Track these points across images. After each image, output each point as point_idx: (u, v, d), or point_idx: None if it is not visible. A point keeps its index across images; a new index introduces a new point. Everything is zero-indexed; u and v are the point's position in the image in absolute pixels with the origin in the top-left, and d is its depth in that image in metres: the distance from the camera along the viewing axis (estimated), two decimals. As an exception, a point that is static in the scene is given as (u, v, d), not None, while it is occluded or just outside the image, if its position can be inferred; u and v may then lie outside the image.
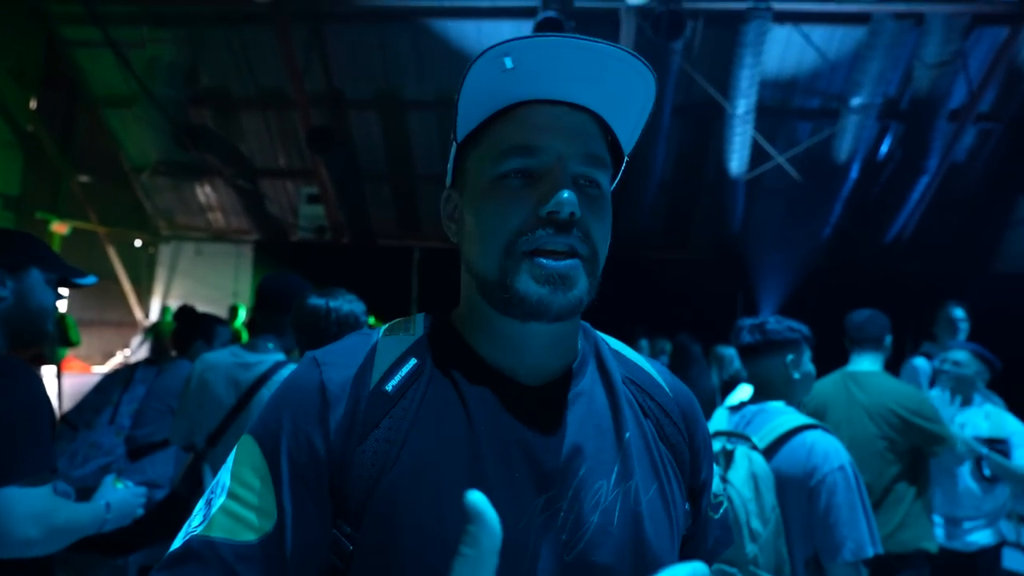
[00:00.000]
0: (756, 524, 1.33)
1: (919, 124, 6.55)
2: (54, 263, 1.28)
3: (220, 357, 1.90)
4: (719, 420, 1.67)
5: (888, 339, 2.37)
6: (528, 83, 0.55)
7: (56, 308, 1.32)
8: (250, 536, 0.49)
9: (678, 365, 4.14)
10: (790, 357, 1.55)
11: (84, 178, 9.09)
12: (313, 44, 7.49)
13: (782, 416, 1.51)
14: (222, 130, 8.75)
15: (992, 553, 2.46)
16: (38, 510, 1.06)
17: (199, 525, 0.51)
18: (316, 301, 1.64)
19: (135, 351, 9.33)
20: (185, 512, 2.00)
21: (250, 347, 1.91)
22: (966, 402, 2.54)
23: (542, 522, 0.52)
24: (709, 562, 0.70)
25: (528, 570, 0.51)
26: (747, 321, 1.63)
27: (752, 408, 1.58)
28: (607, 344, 0.67)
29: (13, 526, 1.03)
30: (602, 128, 0.58)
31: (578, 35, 0.52)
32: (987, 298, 5.03)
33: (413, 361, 0.57)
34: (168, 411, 2.09)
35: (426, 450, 0.53)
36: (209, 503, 0.53)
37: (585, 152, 0.56)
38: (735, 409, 1.64)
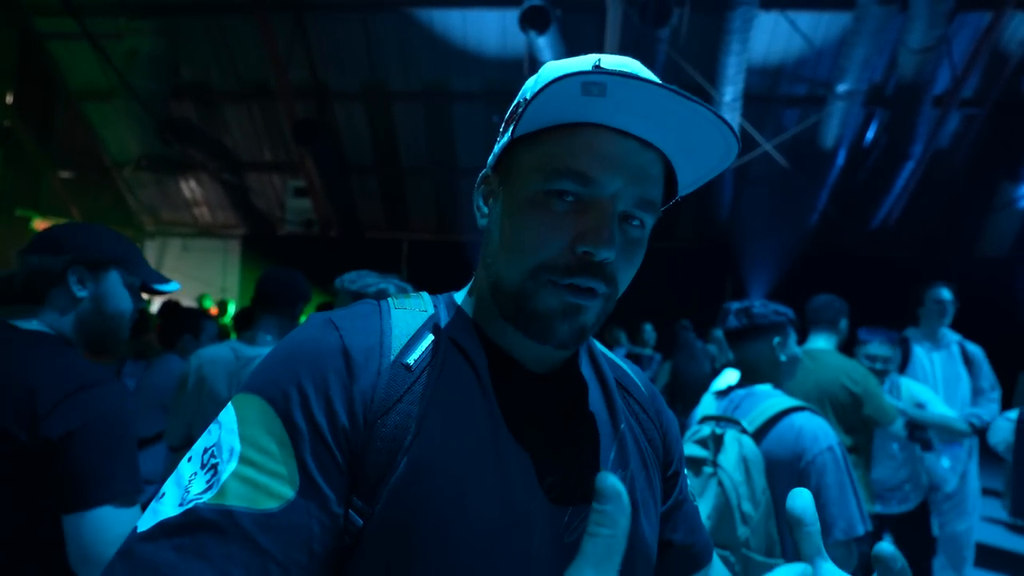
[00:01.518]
0: (747, 507, 1.34)
1: (904, 110, 6.60)
2: (137, 265, 1.17)
3: (219, 352, 1.90)
4: (707, 405, 1.68)
5: (843, 323, 2.56)
6: (610, 112, 0.52)
7: (134, 316, 1.20)
8: (271, 504, 0.45)
9: (675, 351, 4.19)
10: (776, 340, 1.57)
11: (65, 174, 8.93)
12: (296, 35, 7.38)
13: (770, 399, 1.51)
14: (205, 123, 8.62)
15: (914, 517, 2.66)
16: (116, 534, 0.97)
17: (203, 492, 0.45)
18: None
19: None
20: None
21: (248, 340, 1.93)
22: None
23: (548, 504, 0.54)
24: (709, 549, 0.73)
25: (537, 551, 0.52)
26: (733, 305, 1.65)
27: (740, 392, 1.59)
28: (594, 343, 0.70)
29: (104, 548, 0.94)
30: (665, 169, 0.56)
31: (681, 91, 0.48)
32: (971, 282, 5.10)
33: (430, 337, 0.56)
34: (158, 407, 2.07)
35: (446, 427, 0.52)
36: (214, 469, 0.47)
37: (641, 196, 0.54)
38: (722, 394, 1.65)
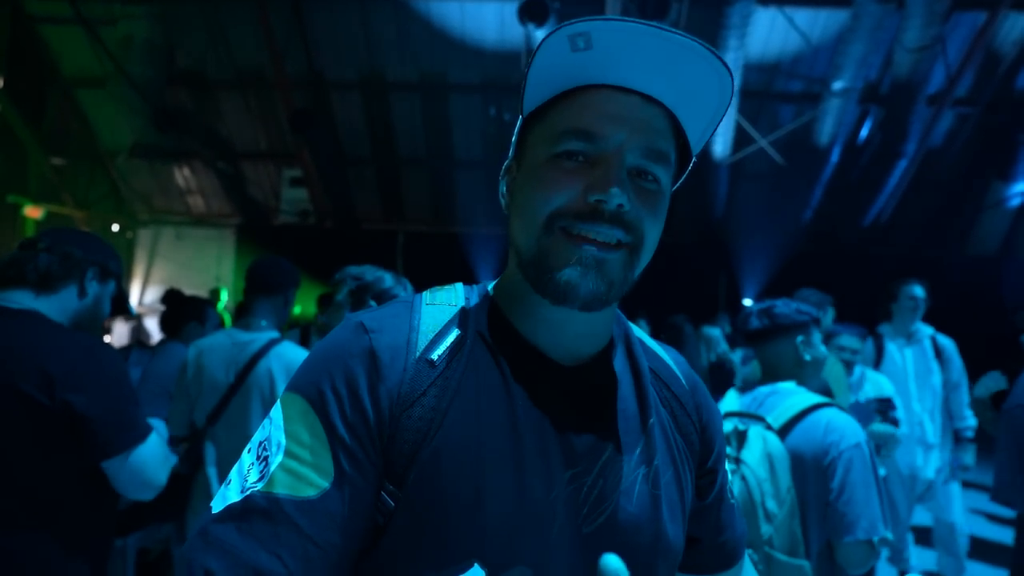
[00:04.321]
0: (771, 505, 1.31)
1: (898, 108, 6.65)
2: (120, 284, 1.38)
3: (215, 340, 1.93)
4: (730, 401, 1.63)
5: (828, 314, 2.62)
6: (603, 66, 0.53)
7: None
8: (310, 492, 0.51)
9: (672, 344, 4.24)
10: (800, 339, 1.53)
11: (57, 160, 8.83)
12: (293, 23, 7.31)
13: (796, 396, 1.48)
14: (200, 112, 8.54)
15: None
16: (162, 456, 1.27)
17: (258, 481, 0.52)
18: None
19: (115, 336, 9.18)
20: (184, 492, 2.03)
21: (244, 327, 1.96)
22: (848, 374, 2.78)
23: (568, 495, 0.55)
24: (741, 546, 0.73)
25: (555, 540, 0.53)
26: (754, 306, 1.61)
27: (764, 389, 1.55)
28: (634, 332, 0.69)
29: (155, 475, 1.24)
30: (672, 124, 0.57)
31: (660, 24, 0.50)
32: (961, 279, 5.19)
33: (456, 331, 0.58)
34: (164, 393, 2.09)
35: (468, 419, 0.55)
36: (265, 460, 0.54)
37: (647, 146, 0.54)
38: (745, 390, 1.62)
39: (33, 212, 8.48)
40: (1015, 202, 7.87)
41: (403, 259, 8.54)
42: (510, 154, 0.63)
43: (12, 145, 8.18)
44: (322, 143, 7.91)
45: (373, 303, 1.70)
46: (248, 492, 0.52)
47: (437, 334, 0.58)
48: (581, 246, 0.53)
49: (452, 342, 0.58)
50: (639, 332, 0.70)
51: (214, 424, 1.85)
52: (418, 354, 0.56)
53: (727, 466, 0.75)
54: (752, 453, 1.35)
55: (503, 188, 0.64)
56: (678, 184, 0.62)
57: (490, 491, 0.53)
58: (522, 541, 0.52)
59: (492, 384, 0.57)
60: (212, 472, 1.83)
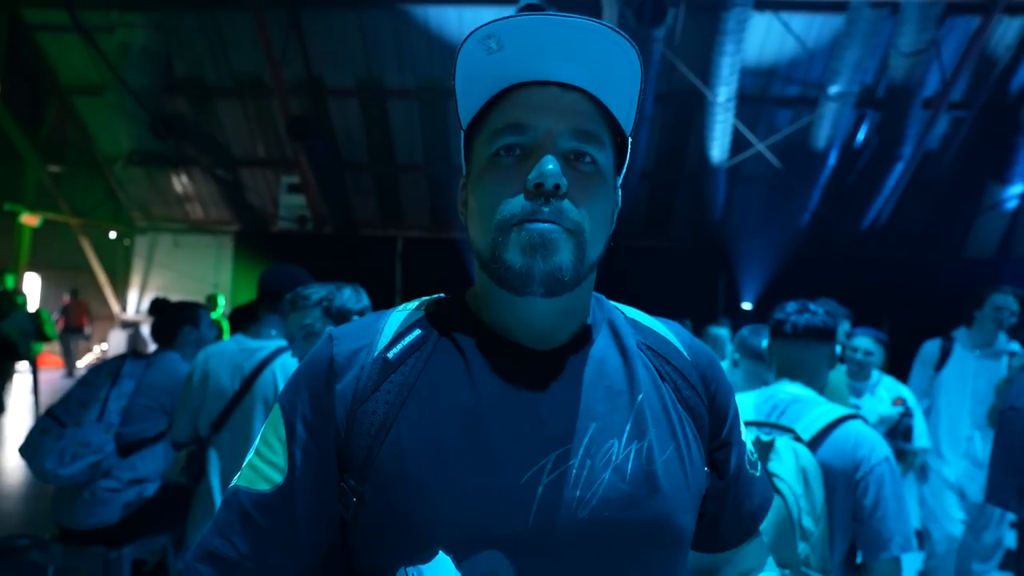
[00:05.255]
0: (807, 522, 1.26)
1: (894, 112, 6.68)
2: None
3: (223, 346, 1.92)
4: (746, 409, 1.55)
5: (843, 325, 2.55)
6: (517, 65, 0.57)
7: None
8: (264, 486, 0.58)
9: None
10: (835, 349, 1.51)
11: (54, 168, 8.82)
12: (291, 30, 7.34)
13: (822, 406, 1.43)
14: (198, 119, 8.55)
15: None
16: None
17: (235, 478, 0.61)
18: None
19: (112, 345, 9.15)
20: (179, 503, 2.00)
21: (253, 334, 1.95)
22: (864, 379, 2.70)
23: (553, 480, 0.54)
24: (757, 521, 0.72)
25: (536, 524, 0.53)
26: (790, 305, 1.56)
27: (784, 397, 1.49)
28: (622, 313, 0.69)
29: None
30: (597, 107, 0.59)
31: (557, 12, 0.53)
32: (957, 282, 5.19)
33: (417, 332, 0.61)
34: (158, 408, 2.07)
35: (425, 411, 0.56)
36: (244, 461, 0.62)
37: (575, 128, 0.57)
38: (760, 396, 1.55)
39: (30, 220, 8.47)
40: (1011, 204, 7.90)
41: (401, 265, 8.53)
42: (463, 171, 0.66)
43: (9, 153, 8.17)
44: (320, 150, 7.92)
45: (357, 319, 1.63)
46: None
47: (397, 335, 0.61)
48: (527, 227, 0.55)
49: (411, 340, 0.61)
50: (634, 312, 0.70)
51: (218, 432, 1.83)
52: (375, 354, 0.60)
53: (747, 436, 0.73)
54: (786, 467, 1.29)
55: (459, 203, 0.66)
56: (624, 168, 0.64)
57: (449, 480, 0.53)
58: (490, 526, 0.52)
59: (454, 377, 0.58)
60: (215, 481, 1.81)
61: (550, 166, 0.54)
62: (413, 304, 0.66)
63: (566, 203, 0.55)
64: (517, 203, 0.55)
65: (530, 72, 0.57)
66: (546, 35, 0.54)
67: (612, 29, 0.54)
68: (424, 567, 0.51)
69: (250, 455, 0.61)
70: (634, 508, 0.55)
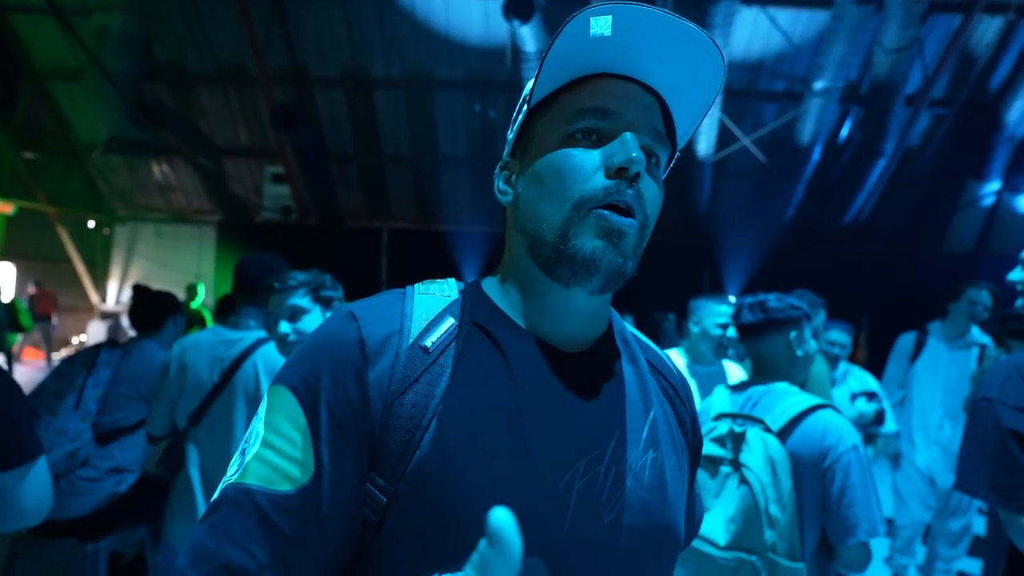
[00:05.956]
0: (774, 510, 1.29)
1: (877, 108, 6.76)
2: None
3: (200, 338, 1.88)
4: (721, 401, 1.60)
5: (819, 315, 2.61)
6: (614, 53, 0.55)
7: None
8: (287, 487, 0.50)
9: (652, 340, 4.26)
10: (793, 334, 1.52)
11: (29, 155, 8.60)
12: (274, 17, 7.20)
13: (792, 396, 1.46)
14: (179, 106, 8.37)
15: None
16: (51, 482, 1.17)
17: (234, 474, 0.52)
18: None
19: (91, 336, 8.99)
20: (158, 494, 1.97)
21: (231, 325, 1.91)
22: (832, 370, 2.78)
23: (584, 484, 0.54)
24: (694, 535, 0.74)
25: (570, 530, 0.52)
26: (747, 300, 1.59)
27: (758, 389, 1.53)
28: (626, 325, 0.69)
29: (47, 497, 1.14)
30: (664, 114, 0.59)
31: (666, 10, 0.52)
32: (936, 277, 5.29)
33: (451, 319, 0.57)
34: (136, 396, 2.03)
35: (468, 407, 0.53)
36: (243, 453, 0.53)
37: (653, 126, 0.57)
38: (737, 389, 1.59)
39: (4, 208, 8.26)
40: (988, 201, 8.05)
41: (387, 257, 8.47)
42: (506, 150, 0.63)
43: (-18, 139, 7.95)
44: (305, 139, 7.81)
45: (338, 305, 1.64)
46: (224, 485, 0.51)
47: (431, 322, 0.56)
48: (609, 216, 0.53)
49: (447, 329, 0.56)
50: (632, 328, 0.71)
51: (196, 425, 1.80)
52: (411, 341, 0.54)
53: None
54: (755, 457, 1.32)
55: (500, 184, 0.63)
56: (666, 174, 0.63)
57: (494, 482, 0.50)
58: (532, 532, 0.50)
59: (493, 371, 0.55)
60: (195, 474, 1.78)
61: (636, 152, 0.53)
62: (433, 287, 0.61)
63: (639, 194, 0.54)
64: (599, 182, 0.54)
65: (621, 64, 0.56)
66: (652, 30, 0.53)
67: (711, 39, 0.53)
68: (461, 574, 0.46)
69: (256, 448, 0.51)
70: (650, 515, 0.56)
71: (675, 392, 0.67)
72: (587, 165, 0.54)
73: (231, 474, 0.52)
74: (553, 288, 0.57)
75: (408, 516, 0.50)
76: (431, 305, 0.58)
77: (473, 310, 0.59)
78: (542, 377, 0.56)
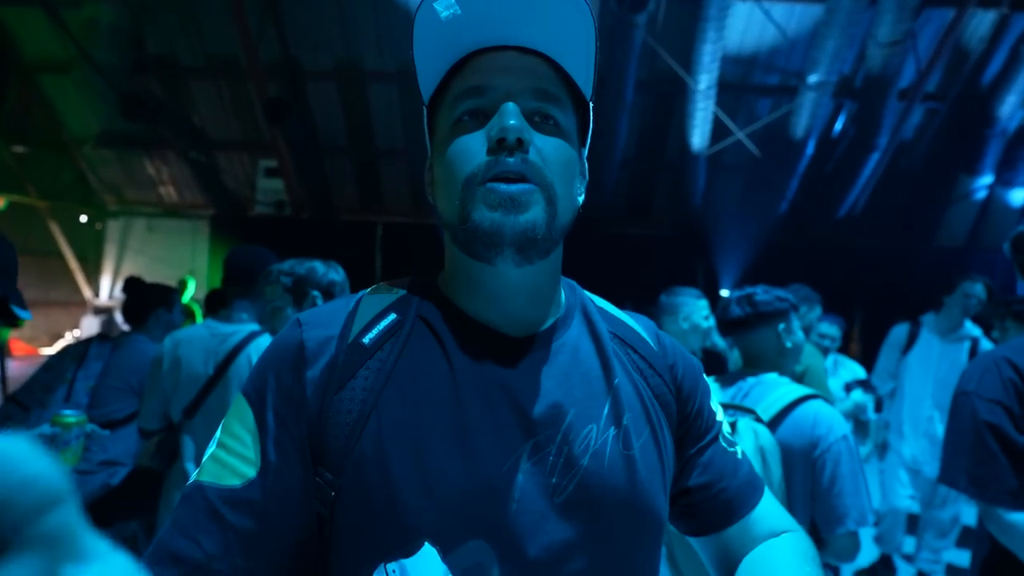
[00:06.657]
0: None
1: (871, 102, 6.78)
2: (9, 282, 1.22)
3: (194, 331, 1.88)
4: (714, 393, 1.60)
5: (814, 310, 2.65)
6: (473, 31, 0.56)
7: None
8: (234, 481, 0.53)
9: None
10: (781, 326, 1.53)
11: (19, 149, 8.51)
12: (267, 9, 7.14)
13: (783, 387, 1.48)
14: (171, 100, 8.30)
15: None
16: None
17: (195, 473, 0.56)
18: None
19: (85, 331, 8.93)
20: (150, 487, 1.97)
21: (224, 319, 1.91)
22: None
23: (530, 467, 0.54)
24: (756, 485, 0.68)
25: (517, 513, 0.52)
26: (734, 294, 1.60)
27: (750, 380, 1.54)
28: (593, 301, 0.69)
29: None
30: (556, 71, 0.59)
31: None
32: (928, 270, 5.33)
33: (393, 316, 0.59)
34: (127, 388, 2.03)
35: (406, 399, 0.54)
36: (204, 454, 0.57)
37: (535, 88, 0.56)
38: (728, 381, 1.60)
39: (-6, 202, 8.19)
40: (981, 195, 8.10)
41: (381, 250, 8.44)
42: (428, 150, 0.65)
43: (-30, 133, 7.87)
44: (298, 133, 7.76)
45: (317, 293, 1.66)
46: (187, 482, 0.57)
47: (372, 319, 0.59)
48: (496, 187, 0.54)
49: (387, 325, 0.58)
50: (603, 302, 0.70)
51: (191, 417, 1.80)
52: (350, 340, 0.57)
53: (723, 417, 0.73)
54: (745, 447, 1.33)
55: (426, 184, 0.64)
56: (588, 136, 0.64)
57: (433, 469, 0.52)
58: (476, 516, 0.51)
59: (432, 363, 0.56)
60: (190, 467, 1.79)
61: (511, 120, 0.53)
62: (384, 286, 0.63)
63: (533, 157, 0.54)
64: (480, 158, 0.54)
65: (487, 38, 0.56)
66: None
67: None
68: (407, 561, 0.50)
69: (212, 449, 0.56)
70: (612, 494, 0.55)
71: (647, 363, 0.65)
72: (472, 146, 0.55)
73: (193, 475, 0.56)
74: (481, 268, 0.58)
75: (352, 509, 0.52)
76: (376, 303, 0.61)
77: (420, 305, 0.60)
78: (483, 363, 0.57)
